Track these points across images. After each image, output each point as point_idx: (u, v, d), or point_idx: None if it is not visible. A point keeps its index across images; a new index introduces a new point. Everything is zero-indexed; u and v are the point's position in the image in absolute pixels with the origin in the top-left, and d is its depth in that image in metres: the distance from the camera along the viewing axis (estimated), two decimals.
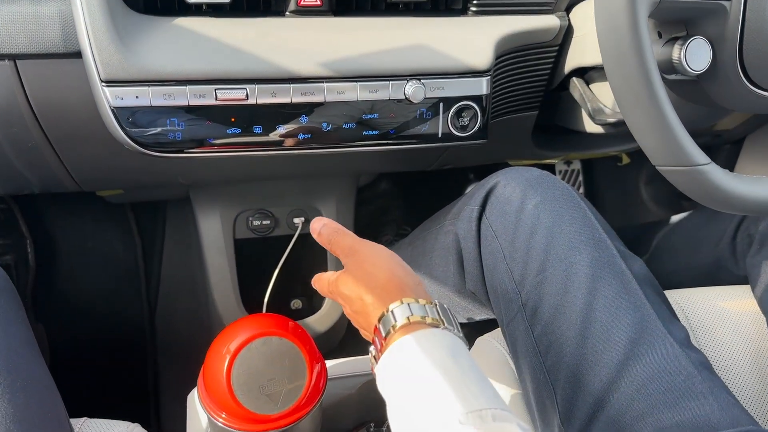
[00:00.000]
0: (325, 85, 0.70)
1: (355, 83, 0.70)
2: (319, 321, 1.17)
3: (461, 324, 0.73)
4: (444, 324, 0.53)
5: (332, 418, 0.72)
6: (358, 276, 0.58)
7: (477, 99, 0.75)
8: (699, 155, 0.57)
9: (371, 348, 0.55)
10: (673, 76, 0.61)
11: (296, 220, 1.11)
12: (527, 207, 0.71)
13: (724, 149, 1.26)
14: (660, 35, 0.64)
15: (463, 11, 0.79)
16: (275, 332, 0.59)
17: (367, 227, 1.30)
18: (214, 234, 1.08)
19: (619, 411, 0.59)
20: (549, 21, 0.79)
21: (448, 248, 0.80)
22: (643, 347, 0.61)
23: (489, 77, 0.74)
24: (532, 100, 0.88)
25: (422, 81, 0.72)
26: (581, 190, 1.48)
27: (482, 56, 0.74)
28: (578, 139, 0.99)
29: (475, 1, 0.78)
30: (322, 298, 1.18)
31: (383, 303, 0.54)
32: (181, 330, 1.33)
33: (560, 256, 0.67)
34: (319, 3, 0.74)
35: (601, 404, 0.60)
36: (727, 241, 0.92)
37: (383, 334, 0.52)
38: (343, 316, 1.17)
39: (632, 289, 0.65)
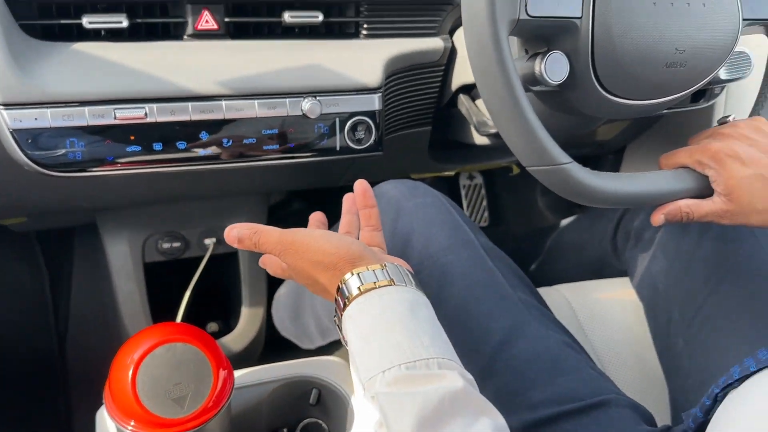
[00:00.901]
0: (224, 102, 0.73)
1: (253, 101, 0.74)
2: (235, 340, 1.18)
3: None
4: (395, 283, 0.55)
5: (244, 425, 0.74)
6: (304, 265, 0.59)
7: (371, 114, 0.80)
8: (561, 155, 0.64)
9: (335, 318, 0.59)
10: (538, 88, 0.69)
11: (207, 241, 1.13)
12: (402, 215, 0.78)
13: (608, 159, 1.37)
14: (527, 51, 0.72)
15: (355, 35, 0.85)
16: (180, 338, 0.61)
17: None
18: (123, 259, 1.08)
19: (496, 393, 0.65)
20: (434, 43, 0.86)
21: None
22: (514, 334, 0.68)
23: (380, 94, 0.80)
24: (424, 116, 0.94)
25: (318, 98, 0.77)
26: (484, 203, 1.57)
27: (373, 75, 0.79)
28: (471, 151, 1.06)
29: (365, 26, 0.84)
30: (237, 318, 1.19)
31: (336, 279, 0.57)
32: (93, 360, 1.30)
33: (434, 258, 0.74)
34: (216, 27, 0.77)
35: (481, 389, 0.66)
36: (608, 239, 1.01)
37: (342, 306, 0.56)
38: (259, 333, 1.19)
39: (499, 282, 0.72)
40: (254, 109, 0.74)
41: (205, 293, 1.14)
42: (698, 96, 0.93)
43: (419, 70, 0.88)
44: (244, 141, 0.76)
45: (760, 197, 0.66)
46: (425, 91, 0.91)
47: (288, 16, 0.79)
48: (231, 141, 0.75)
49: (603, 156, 1.38)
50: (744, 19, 0.69)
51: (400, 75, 0.86)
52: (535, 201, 1.53)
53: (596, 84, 0.67)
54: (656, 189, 0.69)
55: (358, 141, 0.81)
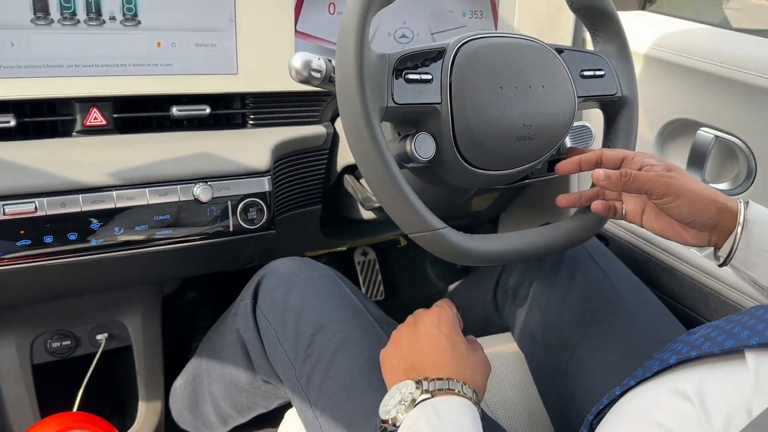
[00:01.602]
0: (115, 192, 0.76)
1: (144, 189, 0.77)
2: None
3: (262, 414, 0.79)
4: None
5: None
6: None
7: (262, 195, 0.85)
8: (436, 222, 0.71)
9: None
10: (411, 165, 0.77)
11: (99, 337, 1.10)
12: (293, 290, 0.82)
13: (485, 227, 1.49)
14: (399, 134, 0.80)
15: (242, 125, 0.91)
16: (77, 426, 0.60)
17: (177, 336, 1.31)
18: (10, 362, 1.03)
19: None
20: (317, 130, 0.94)
21: (234, 345, 0.89)
22: None
23: (269, 177, 0.86)
24: (314, 196, 1.00)
25: (209, 183, 0.81)
26: (379, 277, 1.63)
27: (261, 159, 0.85)
28: (360, 226, 1.13)
29: (251, 117, 0.90)
30: (134, 415, 1.15)
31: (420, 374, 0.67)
32: None
33: (326, 328, 0.78)
34: (104, 123, 0.81)
35: None
36: (490, 298, 1.09)
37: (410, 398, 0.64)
38: (159, 427, 1.15)
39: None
40: (145, 197, 0.77)
41: (98, 390, 1.10)
42: (553, 164, 1.05)
43: (305, 154, 0.95)
44: (137, 228, 0.78)
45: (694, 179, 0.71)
46: (313, 172, 0.97)
47: (176, 111, 0.83)
48: (123, 229, 0.77)
49: (480, 225, 1.50)
50: (579, 97, 0.81)
51: (288, 159, 0.92)
52: (426, 271, 1.62)
53: (460, 158, 0.76)
54: (519, 246, 0.78)
55: (251, 221, 0.85)
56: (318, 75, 0.73)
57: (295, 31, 0.91)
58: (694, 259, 1.02)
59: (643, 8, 1.19)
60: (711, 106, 1.02)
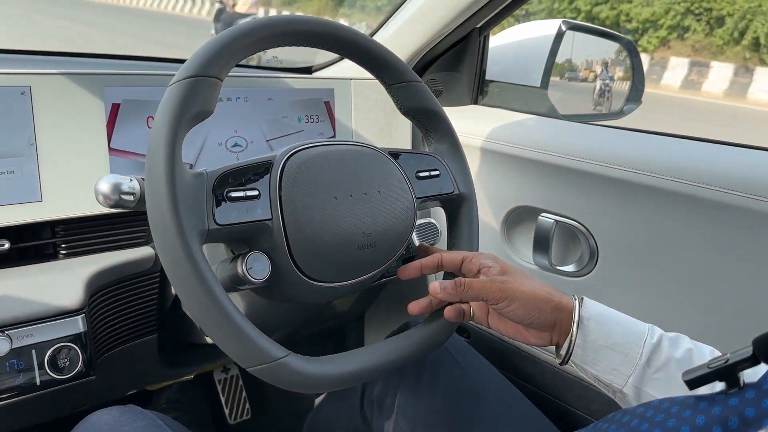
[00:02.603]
0: None
1: None
2: None
3: None
4: None
5: None
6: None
7: (74, 338, 0.74)
8: (277, 350, 0.64)
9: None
10: (246, 287, 0.70)
11: None
12: None
13: (353, 326, 1.43)
14: (232, 252, 0.74)
15: (54, 256, 0.80)
16: None
17: None
18: None
19: None
20: (143, 252, 0.85)
21: None
22: None
23: (83, 315, 0.74)
24: (146, 325, 0.89)
25: (7, 332, 0.69)
26: (244, 394, 1.50)
27: (72, 296, 0.74)
28: (206, 350, 1.02)
29: (63, 246, 0.79)
30: None
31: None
32: None
33: None
34: None
35: None
36: (357, 411, 1.02)
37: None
38: None
39: None
40: None
41: None
42: (407, 261, 1.03)
43: (131, 281, 0.85)
44: None
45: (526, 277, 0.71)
46: (142, 299, 0.87)
47: None
48: None
49: (347, 325, 1.44)
50: (417, 198, 0.80)
51: (109, 289, 0.81)
52: None
53: (299, 274, 0.70)
54: (374, 362, 0.72)
55: (62, 370, 0.73)
56: (131, 198, 0.66)
57: (109, 148, 0.83)
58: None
59: (475, 102, 1.24)
60: (548, 192, 1.06)
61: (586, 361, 0.66)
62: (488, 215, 1.13)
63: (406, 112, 0.83)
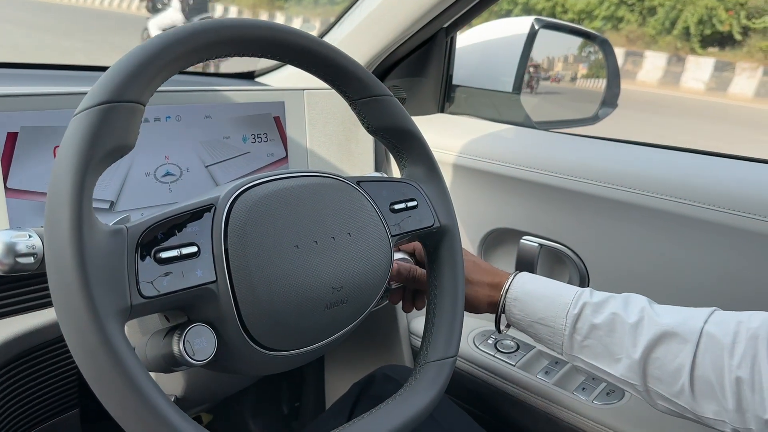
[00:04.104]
0: None
1: None
2: None
3: None
4: None
5: None
6: None
7: None
8: None
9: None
10: (183, 368, 0.55)
11: None
12: None
13: (313, 366, 1.29)
14: (168, 319, 0.59)
15: None
16: None
17: None
18: None
19: None
20: (54, 315, 0.68)
21: None
22: None
23: None
24: (66, 400, 0.73)
25: None
26: None
27: None
28: None
29: None
30: None
31: None
32: None
33: None
34: None
35: None
36: None
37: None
38: None
39: None
40: None
41: None
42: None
43: (45, 350, 0.68)
44: None
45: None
46: (60, 370, 0.71)
47: None
48: None
49: (308, 364, 1.29)
50: (393, 236, 0.67)
51: (18, 363, 0.65)
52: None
53: (254, 346, 0.56)
54: None
55: None
56: (30, 260, 0.52)
57: (5, 188, 0.66)
58: (543, 389, 0.90)
59: (441, 110, 1.11)
60: (530, 213, 0.94)
61: (525, 333, 0.73)
62: (462, 239, 1.01)
63: (375, 131, 0.69)
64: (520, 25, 1.10)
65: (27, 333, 0.66)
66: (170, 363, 0.54)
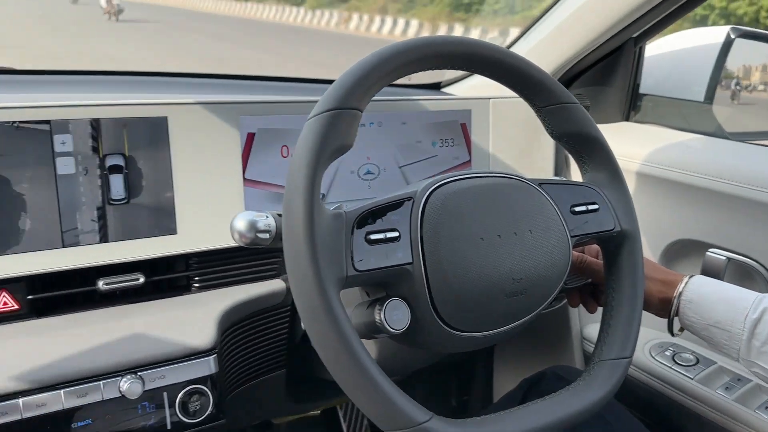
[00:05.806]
0: (21, 400, 0.61)
1: (59, 391, 0.63)
2: None
3: None
4: None
5: None
6: None
7: (205, 380, 0.71)
8: (418, 413, 0.57)
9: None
10: (382, 336, 0.64)
11: None
12: None
13: (481, 355, 1.34)
14: (368, 294, 0.68)
15: (186, 288, 0.78)
16: None
17: None
18: None
19: None
20: (275, 285, 0.81)
21: None
22: None
23: (215, 356, 0.72)
24: (276, 361, 0.86)
25: (139, 374, 0.67)
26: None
27: (205, 335, 0.71)
28: (335, 386, 0.98)
29: (197, 279, 0.77)
30: None
31: None
32: None
33: None
34: (16, 307, 0.67)
35: None
36: None
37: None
38: None
39: None
40: (60, 400, 0.63)
41: None
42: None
43: (262, 316, 0.81)
44: None
45: None
46: (273, 335, 0.84)
47: (102, 284, 0.71)
48: None
49: (477, 353, 1.35)
50: (572, 237, 0.70)
51: (241, 325, 0.78)
52: None
53: (441, 324, 0.63)
54: (525, 427, 0.64)
55: (193, 414, 0.70)
56: (266, 236, 0.62)
57: (244, 179, 0.80)
58: (723, 404, 0.87)
59: (626, 119, 1.11)
60: (718, 225, 0.91)
61: (699, 337, 0.71)
62: (644, 249, 1.00)
63: (558, 136, 0.73)
64: (714, 35, 1.07)
65: (251, 299, 0.79)
66: (371, 330, 0.63)
